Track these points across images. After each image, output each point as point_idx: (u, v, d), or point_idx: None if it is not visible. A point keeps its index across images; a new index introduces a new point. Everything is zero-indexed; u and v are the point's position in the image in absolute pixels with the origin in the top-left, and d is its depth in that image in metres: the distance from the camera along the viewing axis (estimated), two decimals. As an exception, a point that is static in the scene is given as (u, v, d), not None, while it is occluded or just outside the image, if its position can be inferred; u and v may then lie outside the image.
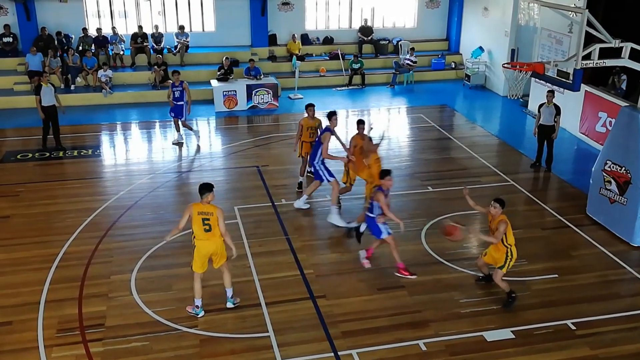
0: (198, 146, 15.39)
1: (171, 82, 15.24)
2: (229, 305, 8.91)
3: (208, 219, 8.29)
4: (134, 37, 20.03)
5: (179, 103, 15.03)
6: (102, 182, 13.46)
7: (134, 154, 15.31)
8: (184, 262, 9.92)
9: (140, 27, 20.16)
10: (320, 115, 12.68)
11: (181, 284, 9.43)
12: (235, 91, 18.26)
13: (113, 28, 20.23)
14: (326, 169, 11.43)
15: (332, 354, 7.99)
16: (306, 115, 12.43)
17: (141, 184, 13.10)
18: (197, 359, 7.94)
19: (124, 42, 20.14)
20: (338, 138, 11.91)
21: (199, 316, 8.69)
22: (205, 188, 8.40)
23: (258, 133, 16.51)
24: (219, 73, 18.79)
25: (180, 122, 15.30)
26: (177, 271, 9.80)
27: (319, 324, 8.57)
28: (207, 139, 16.69)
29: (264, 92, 18.46)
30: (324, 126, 11.89)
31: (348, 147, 11.66)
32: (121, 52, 19.99)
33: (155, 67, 19.17)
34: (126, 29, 20.80)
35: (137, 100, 18.86)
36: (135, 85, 19.55)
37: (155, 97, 18.88)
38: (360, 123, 11.47)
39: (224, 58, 18.96)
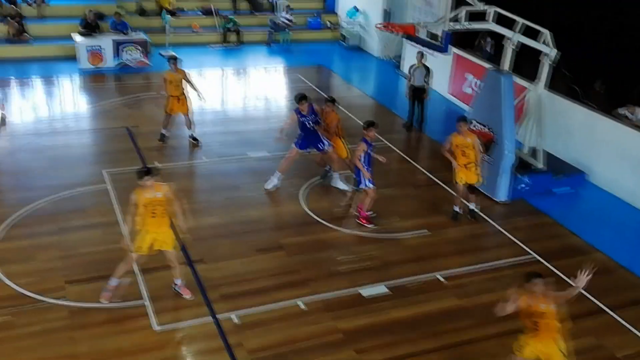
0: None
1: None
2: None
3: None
4: (-16, -15, 18.13)
5: None
6: (-49, 145, 12.22)
7: (-12, 114, 13.99)
8: (48, 231, 9.40)
9: (-10, -26, 18.27)
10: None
11: (46, 253, 8.85)
12: (101, 47, 17.13)
13: (-42, -27, 18.18)
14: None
15: (211, 318, 7.87)
16: (169, 68, 12.13)
17: (-3, 148, 12.06)
18: (68, 331, 7.50)
19: (-29, -9, 18.19)
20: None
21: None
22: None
23: (127, 92, 15.65)
24: (81, 27, 17.51)
25: None
26: (42, 240, 9.18)
27: (197, 289, 8.38)
28: (71, 98, 15.61)
29: (132, 49, 17.46)
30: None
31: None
32: (-32, 2, 18.07)
33: (9, 18, 17.49)
34: (-26, -25, 18.76)
35: (-12, 55, 17.20)
36: (-15, 39, 17.78)
37: (10, 53, 17.32)
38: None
39: (88, 11, 17.67)
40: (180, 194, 10.58)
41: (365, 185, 9.98)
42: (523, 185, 11.34)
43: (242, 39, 20.39)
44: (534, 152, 11.74)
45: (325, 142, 11.01)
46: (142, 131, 13.17)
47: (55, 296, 8.04)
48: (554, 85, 12.46)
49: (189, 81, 12.34)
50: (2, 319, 7.61)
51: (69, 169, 11.34)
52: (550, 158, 11.96)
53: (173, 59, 12.20)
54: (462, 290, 8.79)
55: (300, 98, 10.92)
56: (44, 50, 17.64)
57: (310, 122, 10.93)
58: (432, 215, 10.74)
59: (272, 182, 11.11)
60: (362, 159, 9.87)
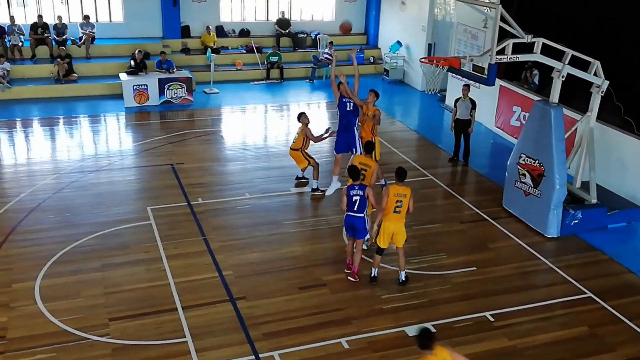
0: None
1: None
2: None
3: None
4: (34, 27, 18.72)
5: None
6: (1, 183, 12.48)
7: (36, 152, 14.33)
8: (92, 267, 9.45)
9: (40, 17, 18.88)
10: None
11: (90, 290, 8.87)
12: (147, 85, 17.47)
13: (11, 17, 18.84)
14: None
15: (253, 357, 7.72)
16: (302, 124, 12.17)
17: (45, 185, 12.26)
18: (110, 369, 7.47)
19: (22, 35, 18.80)
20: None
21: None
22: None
23: (172, 129, 15.87)
24: (130, 66, 17.96)
25: None
26: (86, 277, 9.22)
27: (239, 327, 8.26)
28: (116, 136, 15.91)
29: (177, 87, 17.77)
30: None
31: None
32: (20, 44, 18.67)
33: (59, 59, 18.06)
34: (25, 18, 19.46)
35: (38, 95, 17.70)
36: (36, 79, 18.31)
37: (58, 92, 17.84)
38: None
39: (137, 51, 18.12)
40: (223, 231, 10.72)
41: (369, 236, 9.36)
42: (575, 221, 10.91)
43: (284, 75, 20.57)
44: (585, 186, 11.33)
45: (358, 148, 11.26)
46: (186, 168, 13.26)
47: (98, 333, 8.03)
48: (606, 117, 12.09)
49: None
50: (46, 356, 7.61)
51: (113, 206, 11.45)
52: (603, 192, 11.54)
53: (305, 115, 12.24)
54: (512, 330, 8.44)
55: (338, 82, 11.79)
56: (91, 89, 18.12)
57: (350, 105, 11.48)
58: (480, 251, 10.41)
59: (333, 187, 11.68)
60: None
